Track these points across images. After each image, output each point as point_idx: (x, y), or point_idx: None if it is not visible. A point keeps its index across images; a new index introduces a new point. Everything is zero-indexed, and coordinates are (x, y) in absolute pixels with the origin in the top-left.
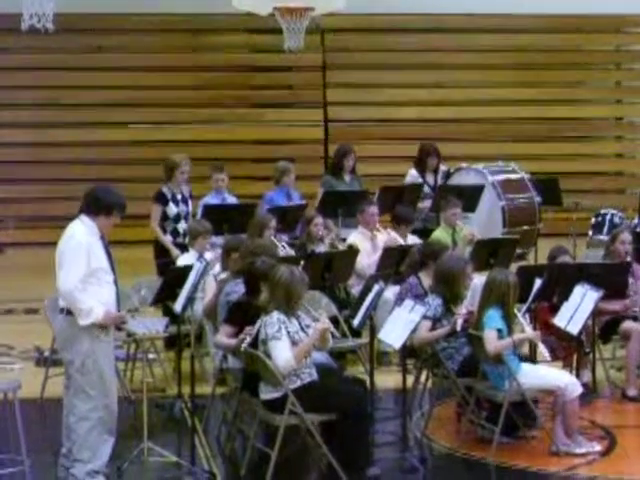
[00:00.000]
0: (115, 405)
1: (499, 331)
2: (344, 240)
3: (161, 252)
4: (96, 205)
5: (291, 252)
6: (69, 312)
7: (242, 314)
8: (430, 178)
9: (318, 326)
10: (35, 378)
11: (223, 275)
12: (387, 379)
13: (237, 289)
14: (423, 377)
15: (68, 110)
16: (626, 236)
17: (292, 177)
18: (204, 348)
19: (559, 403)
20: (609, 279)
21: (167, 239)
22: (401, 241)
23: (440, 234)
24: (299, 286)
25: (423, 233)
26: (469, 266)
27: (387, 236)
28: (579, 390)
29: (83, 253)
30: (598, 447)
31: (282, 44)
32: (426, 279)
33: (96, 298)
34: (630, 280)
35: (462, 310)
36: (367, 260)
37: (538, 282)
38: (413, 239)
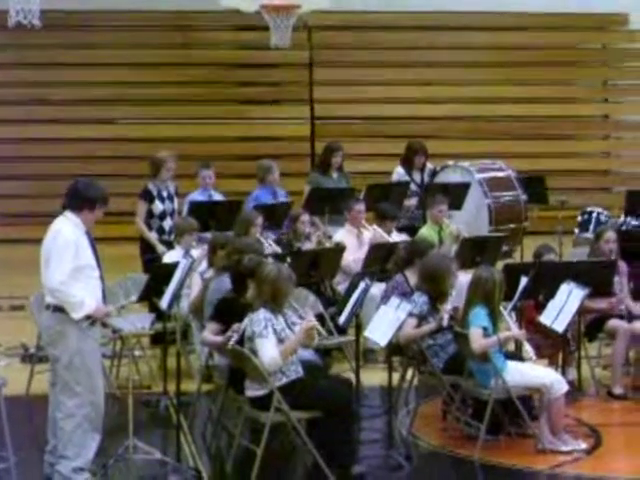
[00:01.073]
0: (102, 402)
1: (485, 329)
2: (331, 237)
3: (147, 249)
4: (79, 200)
5: (277, 249)
6: (56, 309)
7: (228, 311)
8: (417, 176)
9: (304, 325)
10: (21, 375)
11: (210, 272)
12: (373, 376)
13: (222, 285)
14: (409, 374)
15: (55, 107)
16: (610, 235)
17: (276, 175)
18: (190, 345)
19: (545, 401)
20: (595, 277)
21: (152, 236)
22: (387, 237)
23: (427, 232)
24: (286, 283)
25: (410, 231)
26: (455, 264)
27: (373, 232)
28: (565, 388)
29: (71, 250)
30: (584, 445)
31: (269, 41)
32: (412, 277)
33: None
34: (616, 278)
35: (447, 306)
36: (353, 256)
37: (524, 280)
38: (400, 237)
